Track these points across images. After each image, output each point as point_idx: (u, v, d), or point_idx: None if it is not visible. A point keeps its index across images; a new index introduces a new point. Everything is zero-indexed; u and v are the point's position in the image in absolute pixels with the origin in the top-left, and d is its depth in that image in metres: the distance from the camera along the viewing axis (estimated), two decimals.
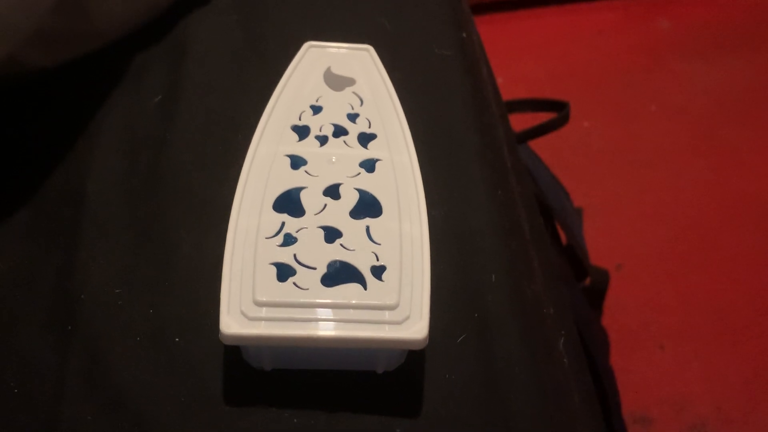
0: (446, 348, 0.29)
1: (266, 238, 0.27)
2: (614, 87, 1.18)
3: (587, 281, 0.71)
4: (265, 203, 0.29)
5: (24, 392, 0.28)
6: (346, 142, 0.32)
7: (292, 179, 0.30)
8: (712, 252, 0.97)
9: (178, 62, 0.39)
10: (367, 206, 0.29)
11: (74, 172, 0.35)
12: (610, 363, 0.64)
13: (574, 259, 0.65)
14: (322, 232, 0.28)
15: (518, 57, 1.22)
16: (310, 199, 0.29)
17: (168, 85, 0.38)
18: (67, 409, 0.28)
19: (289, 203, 0.29)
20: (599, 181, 1.05)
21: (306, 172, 0.30)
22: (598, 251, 0.81)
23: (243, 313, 0.25)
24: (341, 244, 0.27)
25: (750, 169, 1.06)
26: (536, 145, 0.67)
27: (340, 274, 0.27)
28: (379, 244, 0.28)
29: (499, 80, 0.49)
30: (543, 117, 0.62)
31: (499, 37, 1.22)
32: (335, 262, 0.27)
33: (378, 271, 0.27)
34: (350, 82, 0.34)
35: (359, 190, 0.29)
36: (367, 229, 0.28)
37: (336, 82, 0.34)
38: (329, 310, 0.26)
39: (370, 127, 0.32)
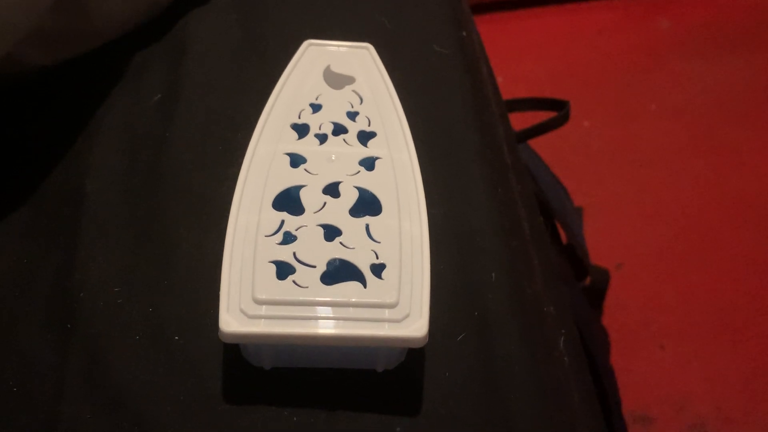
0: (446, 347, 0.29)
1: (266, 236, 0.27)
2: (614, 87, 1.18)
3: (587, 281, 0.71)
4: (265, 201, 0.29)
5: (23, 391, 0.28)
6: (346, 140, 0.32)
7: (291, 177, 0.30)
8: (712, 252, 0.97)
9: (178, 61, 0.39)
10: (367, 204, 0.29)
11: (74, 171, 0.35)
12: (611, 362, 0.64)
13: (574, 258, 0.65)
14: (321, 231, 0.28)
15: (518, 56, 1.22)
16: (310, 197, 0.29)
17: (168, 83, 0.38)
18: (66, 408, 0.28)
19: (288, 201, 0.29)
20: (599, 180, 1.05)
21: (305, 170, 0.30)
22: (598, 251, 0.81)
23: (242, 311, 0.25)
24: (341, 243, 0.27)
25: (750, 169, 1.06)
26: (536, 144, 0.67)
27: (339, 272, 0.27)
28: (379, 243, 0.28)
29: (499, 79, 0.48)
30: (543, 116, 0.62)
31: (499, 36, 1.22)
32: (335, 260, 0.27)
33: (378, 270, 0.27)
34: (350, 80, 0.34)
35: (359, 189, 0.29)
36: (367, 227, 0.28)
37: (335, 80, 0.34)
38: (329, 308, 0.26)
39: (369, 125, 0.32)
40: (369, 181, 0.30)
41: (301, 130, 0.32)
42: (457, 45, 0.41)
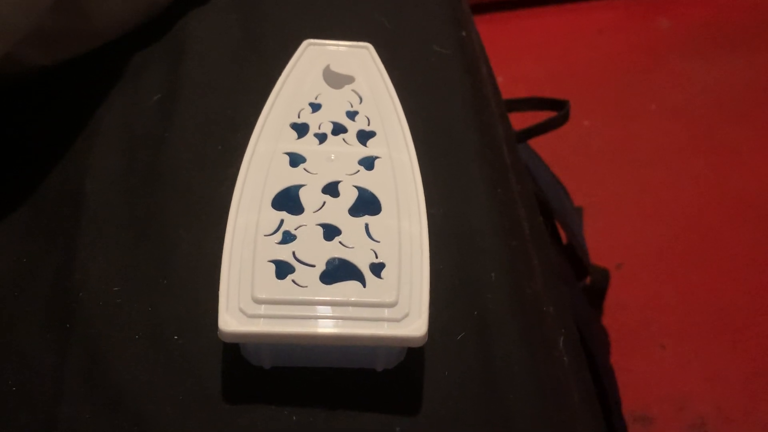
0: (445, 346, 0.29)
1: (265, 235, 0.27)
2: (614, 86, 1.18)
3: (587, 280, 0.71)
4: (264, 201, 0.29)
5: (23, 391, 0.28)
6: (345, 139, 0.32)
7: (291, 177, 0.30)
8: (712, 251, 0.97)
9: (177, 61, 0.39)
10: (366, 204, 0.29)
11: (73, 171, 0.35)
12: (611, 362, 0.64)
13: (574, 258, 0.65)
14: (321, 230, 0.28)
15: (518, 56, 1.22)
16: (309, 197, 0.29)
17: (167, 83, 0.38)
18: (66, 408, 0.28)
19: (288, 201, 0.29)
20: (599, 180, 1.05)
21: (305, 169, 0.30)
22: (598, 250, 0.81)
23: (242, 311, 0.25)
24: (340, 242, 0.27)
25: (750, 169, 1.06)
26: (536, 144, 0.67)
27: (339, 271, 0.27)
28: (378, 242, 0.28)
29: (499, 79, 0.48)
30: (543, 116, 0.62)
31: (499, 36, 1.22)
32: (334, 259, 0.27)
33: (377, 269, 0.27)
34: (349, 79, 0.34)
35: (358, 188, 0.29)
36: (366, 226, 0.28)
37: (335, 79, 0.34)
38: (328, 307, 0.26)
39: (369, 124, 0.32)
40: (368, 180, 0.30)
41: (301, 129, 0.32)
42: (457, 45, 0.41)
